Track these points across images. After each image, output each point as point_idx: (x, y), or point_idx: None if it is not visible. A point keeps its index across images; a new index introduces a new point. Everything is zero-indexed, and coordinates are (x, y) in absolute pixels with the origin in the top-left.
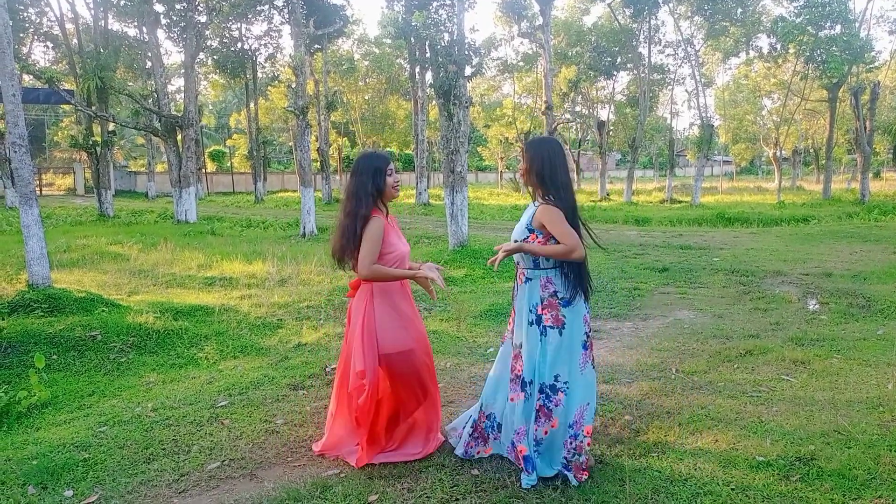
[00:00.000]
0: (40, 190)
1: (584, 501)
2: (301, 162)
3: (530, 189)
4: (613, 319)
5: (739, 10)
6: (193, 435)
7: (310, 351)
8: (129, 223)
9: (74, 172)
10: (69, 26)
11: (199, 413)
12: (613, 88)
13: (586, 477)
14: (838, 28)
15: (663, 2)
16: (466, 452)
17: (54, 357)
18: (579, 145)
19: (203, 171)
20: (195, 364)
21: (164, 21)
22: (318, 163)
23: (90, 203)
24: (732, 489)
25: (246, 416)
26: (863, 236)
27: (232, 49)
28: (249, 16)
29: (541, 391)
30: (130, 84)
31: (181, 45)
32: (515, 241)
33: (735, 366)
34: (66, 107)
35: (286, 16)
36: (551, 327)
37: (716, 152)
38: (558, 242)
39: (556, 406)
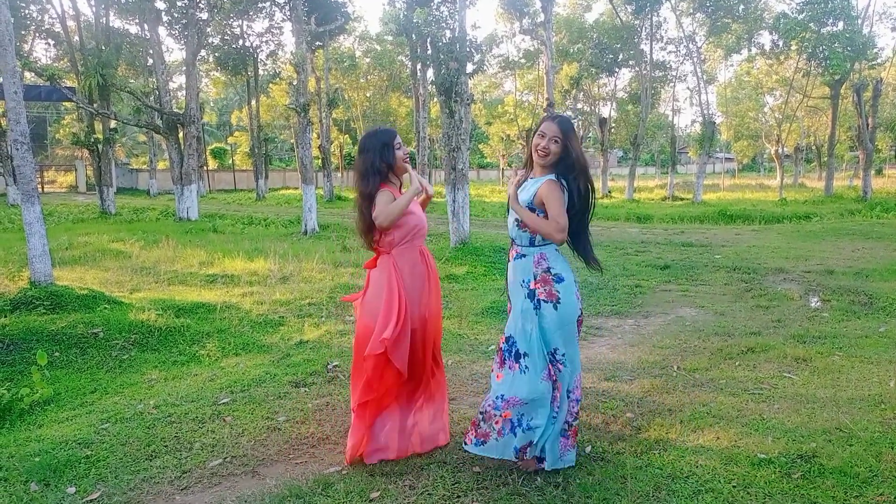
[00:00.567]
0: (42, 187)
1: (585, 499)
2: (302, 159)
3: (541, 164)
4: (615, 317)
5: (741, 6)
6: (195, 432)
7: (311, 348)
8: (130, 220)
9: (76, 170)
10: (70, 23)
11: (201, 410)
12: (615, 85)
13: (571, 449)
14: (840, 25)
15: None
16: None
17: (56, 354)
18: (581, 142)
19: (205, 168)
20: (197, 361)
21: (165, 18)
22: (320, 160)
23: (92, 200)
24: (734, 486)
25: (248, 414)
26: (865, 233)
27: (233, 46)
28: (251, 13)
29: (546, 359)
30: (132, 81)
31: (182, 42)
32: (515, 220)
33: (737, 363)
34: (68, 104)
35: (287, 13)
36: (545, 301)
37: (718, 149)
38: None
39: (556, 379)
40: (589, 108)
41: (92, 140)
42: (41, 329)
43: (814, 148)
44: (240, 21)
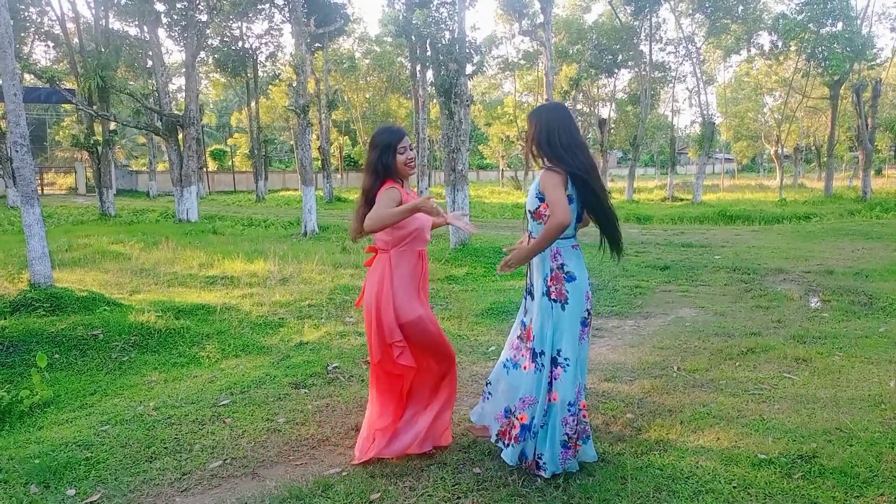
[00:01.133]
0: (42, 189)
1: (586, 499)
2: (302, 161)
3: (536, 159)
4: (615, 317)
5: (741, 7)
6: (195, 434)
7: (311, 350)
8: (130, 222)
9: (76, 172)
10: (70, 25)
11: (200, 412)
12: (614, 86)
13: (573, 459)
14: (840, 25)
15: None
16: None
17: (56, 356)
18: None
19: (204, 170)
20: (197, 363)
21: (164, 20)
22: (320, 161)
23: (91, 202)
24: (734, 487)
25: (248, 415)
26: (864, 233)
27: (233, 48)
28: (250, 14)
29: (552, 362)
30: (131, 83)
31: (182, 44)
32: (528, 212)
33: (737, 364)
34: (68, 106)
35: (287, 14)
36: (555, 301)
37: (717, 150)
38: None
39: (556, 380)
40: (588, 109)
41: (91, 142)
42: (41, 331)
43: (813, 148)
44: (239, 23)
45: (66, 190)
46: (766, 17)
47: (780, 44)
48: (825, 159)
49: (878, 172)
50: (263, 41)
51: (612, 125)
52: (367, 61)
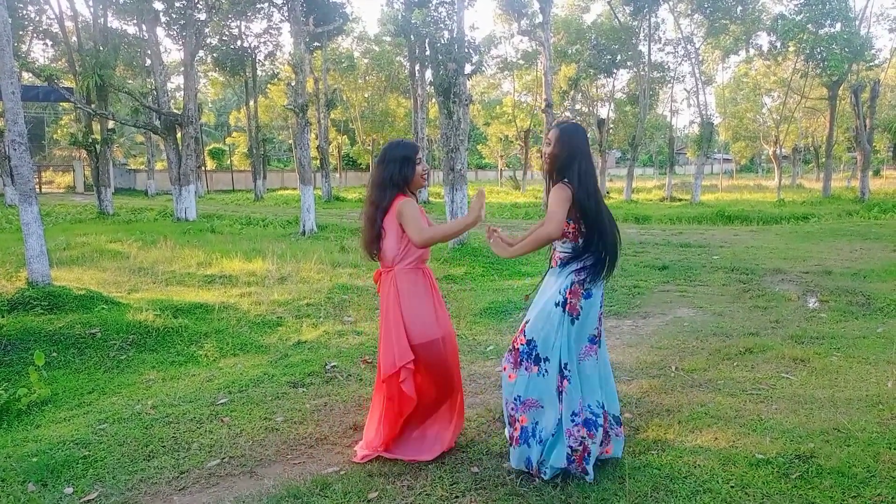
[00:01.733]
0: (40, 188)
1: (583, 499)
2: (301, 160)
3: (547, 174)
4: (613, 317)
5: (739, 7)
6: (193, 432)
7: (309, 349)
8: (128, 221)
9: (74, 170)
10: (68, 24)
11: (198, 410)
12: (613, 86)
13: (581, 470)
14: (838, 26)
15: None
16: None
17: (54, 354)
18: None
19: (203, 168)
20: (195, 362)
21: (163, 19)
22: (318, 161)
23: (90, 201)
24: (732, 487)
25: (246, 414)
26: (862, 234)
27: (231, 47)
28: (249, 13)
29: (559, 371)
30: (130, 82)
31: (180, 42)
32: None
33: (735, 364)
34: (66, 104)
35: (285, 13)
36: (568, 314)
37: (716, 150)
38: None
39: (563, 392)
40: (587, 109)
41: (90, 140)
42: (39, 329)
43: (812, 149)
44: (238, 22)
45: (64, 188)
46: (765, 18)
47: (778, 44)
48: (823, 160)
49: (877, 173)
50: (262, 40)
51: (611, 125)
52: (365, 61)
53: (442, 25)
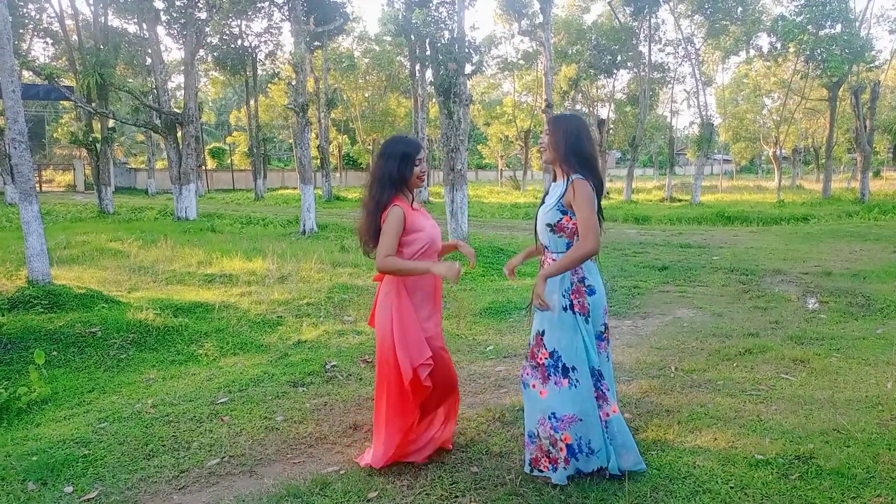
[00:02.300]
0: (40, 186)
1: (583, 499)
2: (301, 159)
3: (554, 167)
4: (613, 318)
5: (740, 8)
6: (193, 431)
7: (310, 348)
8: (129, 220)
9: (74, 169)
10: (69, 23)
11: (198, 410)
12: (613, 87)
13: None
14: (839, 27)
15: (664, 0)
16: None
17: (54, 353)
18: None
19: (203, 168)
20: (195, 361)
21: (164, 18)
22: (319, 160)
23: (90, 200)
24: (731, 487)
25: (246, 413)
26: (862, 235)
27: (232, 46)
28: (249, 13)
29: (592, 374)
30: (130, 81)
31: (181, 41)
32: (546, 226)
33: (734, 364)
34: (66, 103)
35: (286, 13)
36: (579, 314)
37: (716, 151)
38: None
39: (607, 391)
40: (587, 110)
41: (90, 139)
42: (39, 328)
43: (812, 150)
44: (238, 21)
45: (64, 187)
46: (766, 19)
47: (778, 45)
48: (823, 161)
49: (877, 174)
50: (263, 39)
51: (611, 125)
52: (366, 60)
53: (442, 25)
